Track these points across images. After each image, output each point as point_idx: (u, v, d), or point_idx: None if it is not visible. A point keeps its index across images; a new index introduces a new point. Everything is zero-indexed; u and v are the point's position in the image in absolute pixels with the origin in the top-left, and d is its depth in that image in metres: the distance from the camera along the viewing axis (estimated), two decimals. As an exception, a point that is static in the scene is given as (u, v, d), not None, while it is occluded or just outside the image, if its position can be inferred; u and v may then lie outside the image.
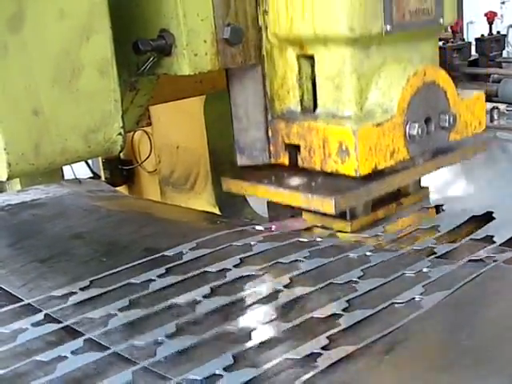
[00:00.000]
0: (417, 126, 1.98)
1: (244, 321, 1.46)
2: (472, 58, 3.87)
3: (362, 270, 1.71)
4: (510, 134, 3.20)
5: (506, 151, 3.12)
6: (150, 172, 3.70)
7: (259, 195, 2.11)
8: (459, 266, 1.77)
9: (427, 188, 2.42)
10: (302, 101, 2.05)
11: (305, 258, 1.78)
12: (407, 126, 1.98)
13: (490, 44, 3.89)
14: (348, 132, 1.86)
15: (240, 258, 1.78)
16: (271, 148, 2.06)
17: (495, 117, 3.36)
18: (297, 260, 1.77)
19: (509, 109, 3.47)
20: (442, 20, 2.12)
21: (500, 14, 12.25)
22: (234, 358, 1.29)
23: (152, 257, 1.82)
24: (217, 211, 2.95)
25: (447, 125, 2.12)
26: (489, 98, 3.58)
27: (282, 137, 2.02)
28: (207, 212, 2.53)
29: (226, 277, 1.68)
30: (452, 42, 3.77)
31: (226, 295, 1.57)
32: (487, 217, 2.14)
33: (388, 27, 1.92)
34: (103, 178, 3.87)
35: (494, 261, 1.81)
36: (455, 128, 2.18)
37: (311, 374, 1.23)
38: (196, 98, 2.82)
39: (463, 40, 7.75)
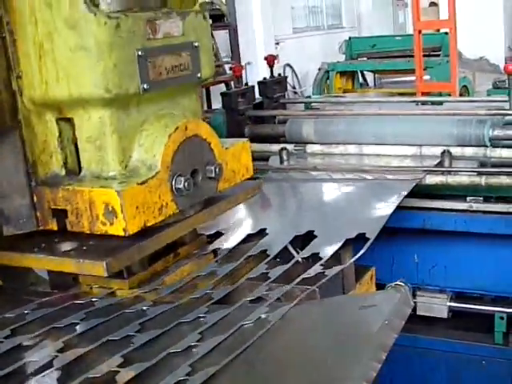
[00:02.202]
0: (183, 179, 2.00)
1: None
2: (257, 101, 3.99)
3: (139, 324, 1.72)
4: (300, 173, 3.31)
5: (296, 189, 3.25)
6: None
7: (31, 265, 2.03)
8: (236, 308, 1.83)
9: (204, 236, 2.46)
10: (66, 164, 2.01)
11: (81, 320, 1.76)
12: (173, 181, 1.99)
13: (273, 86, 4.05)
14: (113, 193, 1.84)
15: (11, 329, 1.72)
16: (38, 214, 1.98)
17: (284, 157, 3.39)
18: (72, 323, 1.75)
19: (297, 148, 3.53)
20: (199, 74, 2.18)
21: (276, 54, 12.93)
22: None
23: None
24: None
25: (214, 175, 2.14)
26: (277, 140, 3.70)
27: (48, 202, 1.96)
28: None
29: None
30: (236, 87, 3.88)
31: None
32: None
33: (145, 86, 1.94)
34: None
35: (271, 298, 1.90)
36: (223, 177, 2.21)
37: None
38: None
39: (243, 82, 8.01)
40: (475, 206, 2.97)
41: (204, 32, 2.19)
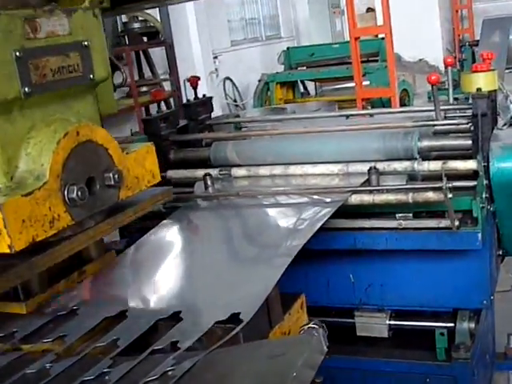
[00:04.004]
0: (76, 188, 1.87)
1: None
2: (181, 125, 3.81)
3: (38, 388, 1.60)
4: (227, 200, 3.09)
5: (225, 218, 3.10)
6: None
7: None
8: (141, 361, 1.72)
9: (112, 252, 2.31)
10: None
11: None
12: (65, 191, 1.86)
13: (197, 108, 3.88)
14: None
15: None
16: None
17: (209, 183, 3.14)
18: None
19: (222, 173, 3.29)
20: (92, 75, 2.06)
21: (215, 68, 12.89)
22: None
23: None
24: None
25: (113, 182, 2.02)
26: (204, 164, 3.48)
27: None
28: None
29: None
30: (157, 112, 3.66)
31: None
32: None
33: (26, 89, 1.81)
34: None
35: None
36: (125, 184, 2.09)
37: None
38: None
39: (174, 104, 7.76)
40: (404, 224, 2.88)
41: (95, 30, 2.07)
